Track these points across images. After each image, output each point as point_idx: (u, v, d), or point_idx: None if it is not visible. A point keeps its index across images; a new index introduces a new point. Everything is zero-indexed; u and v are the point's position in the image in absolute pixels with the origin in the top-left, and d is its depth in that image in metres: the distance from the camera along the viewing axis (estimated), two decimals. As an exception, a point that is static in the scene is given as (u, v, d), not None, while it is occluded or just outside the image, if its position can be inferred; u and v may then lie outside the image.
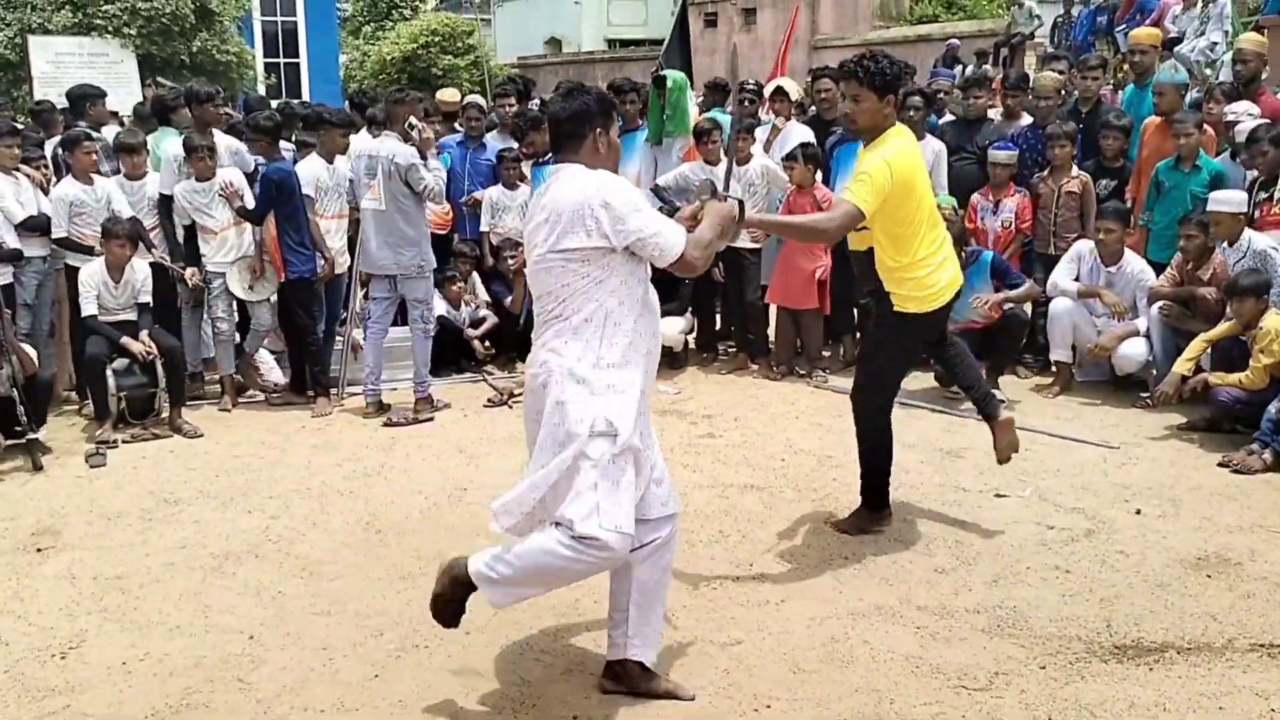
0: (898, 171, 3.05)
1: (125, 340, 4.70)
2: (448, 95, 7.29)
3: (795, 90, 6.19)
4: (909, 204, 3.14)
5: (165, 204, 5.17)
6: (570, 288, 2.34)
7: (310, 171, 5.08)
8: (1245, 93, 5.33)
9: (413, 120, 4.85)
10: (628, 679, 2.56)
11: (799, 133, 5.84)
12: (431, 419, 4.91)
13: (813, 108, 6.38)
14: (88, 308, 4.71)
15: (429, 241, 4.98)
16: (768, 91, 6.27)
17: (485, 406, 5.14)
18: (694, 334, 6.05)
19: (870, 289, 3.53)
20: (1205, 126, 5.14)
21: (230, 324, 5.15)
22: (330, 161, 5.16)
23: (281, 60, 21.11)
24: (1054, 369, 5.25)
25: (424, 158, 4.81)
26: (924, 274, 3.21)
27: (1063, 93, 5.88)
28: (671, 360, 5.77)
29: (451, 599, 2.46)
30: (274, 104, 7.77)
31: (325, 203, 5.12)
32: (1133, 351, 4.94)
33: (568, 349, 2.34)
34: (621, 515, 2.28)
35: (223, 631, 2.92)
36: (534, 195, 2.68)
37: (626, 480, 2.30)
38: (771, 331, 5.80)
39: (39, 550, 3.49)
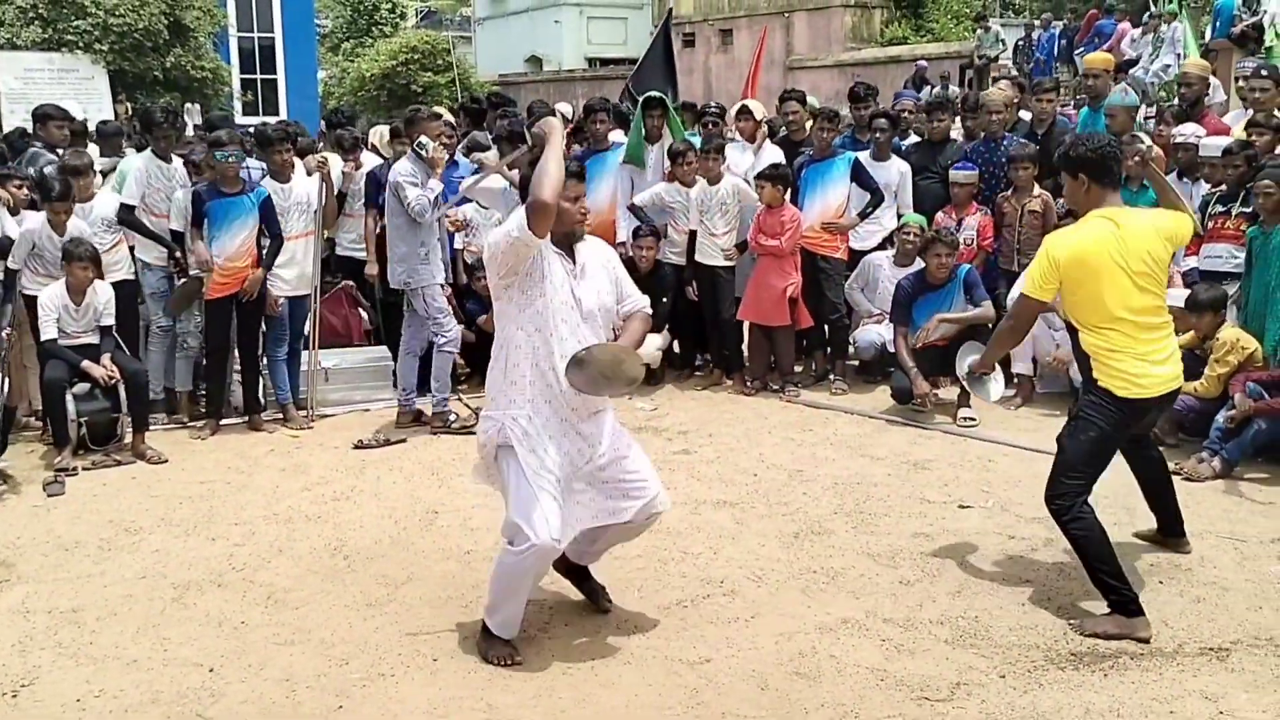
0: (1069, 255, 3.00)
1: (86, 364, 4.60)
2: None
3: (760, 110, 6.30)
4: (1089, 289, 3.01)
5: (129, 213, 5.10)
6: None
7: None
8: (1190, 114, 5.53)
9: (422, 139, 4.91)
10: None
11: (770, 153, 5.95)
12: (404, 440, 4.90)
13: (782, 129, 6.49)
14: (47, 331, 4.60)
15: (427, 258, 4.95)
16: (733, 112, 6.38)
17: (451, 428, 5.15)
18: (668, 350, 6.10)
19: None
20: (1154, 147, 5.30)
21: (199, 340, 5.11)
22: (284, 181, 5.13)
23: (259, 76, 20.99)
24: (1015, 381, 5.36)
25: (432, 175, 4.91)
26: (1128, 366, 3.01)
27: (1009, 109, 6.03)
28: (648, 376, 5.82)
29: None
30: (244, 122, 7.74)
31: (285, 224, 5.07)
32: (1089, 364, 5.09)
33: None
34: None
35: (181, 664, 2.86)
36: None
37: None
38: (745, 348, 5.88)
39: (-7, 583, 3.41)
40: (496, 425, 2.79)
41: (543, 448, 2.77)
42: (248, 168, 5.44)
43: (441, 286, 5.07)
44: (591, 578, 3.16)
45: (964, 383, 3.77)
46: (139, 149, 5.76)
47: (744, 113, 6.14)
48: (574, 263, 2.86)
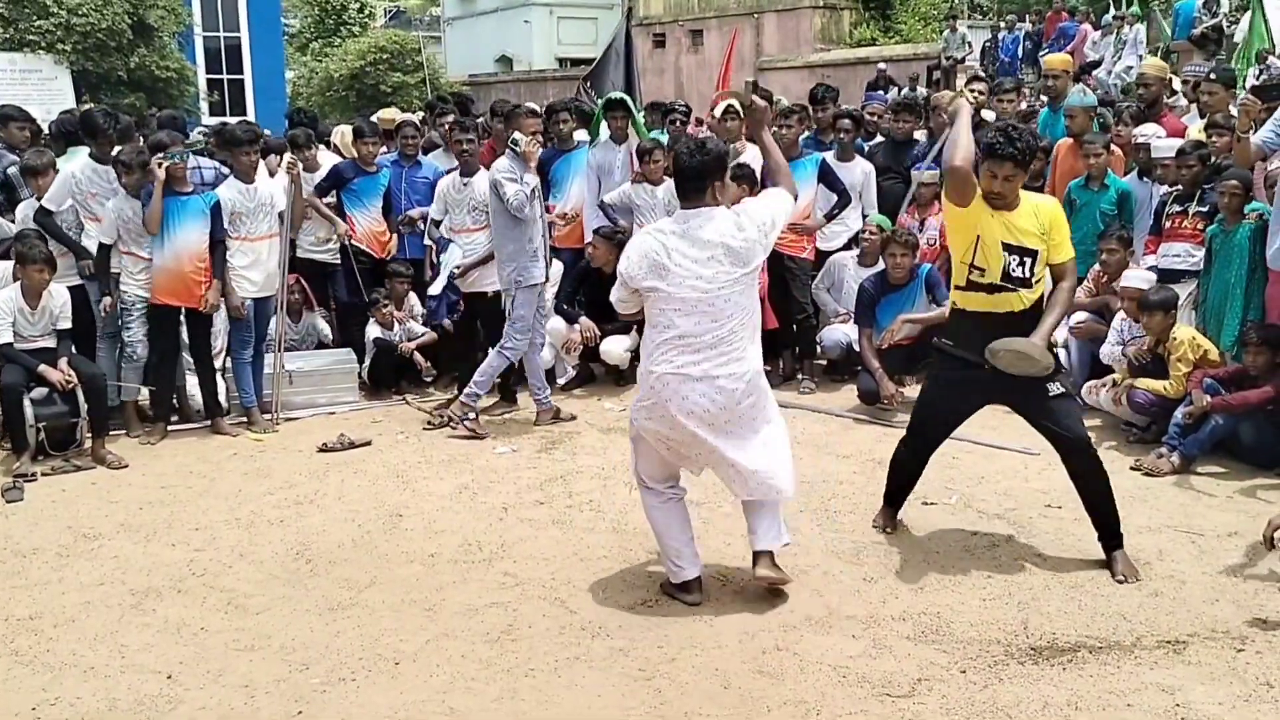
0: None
1: (43, 368, 4.51)
2: (387, 114, 7.29)
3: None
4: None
5: (44, 216, 4.97)
6: (748, 301, 3.00)
7: (225, 196, 4.94)
8: (1149, 114, 5.63)
9: (515, 135, 4.92)
10: None
11: (755, 152, 5.94)
12: (368, 443, 4.84)
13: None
14: (2, 336, 4.51)
15: (535, 255, 4.95)
16: (718, 111, 6.36)
17: (425, 429, 5.10)
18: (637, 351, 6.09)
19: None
20: (1114, 147, 5.40)
21: (145, 348, 4.94)
22: (249, 181, 5.05)
23: (225, 77, 20.66)
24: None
25: (527, 170, 4.93)
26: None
27: (976, 112, 6.08)
28: (618, 378, 5.81)
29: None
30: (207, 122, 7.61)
31: (249, 225, 5.01)
32: (1051, 362, 5.16)
33: (754, 352, 3.05)
34: None
35: (139, 672, 2.83)
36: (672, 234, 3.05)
37: None
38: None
39: (-52, 590, 3.34)
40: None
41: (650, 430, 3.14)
42: (199, 168, 5.36)
43: (539, 288, 5.04)
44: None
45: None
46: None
47: (730, 112, 6.13)
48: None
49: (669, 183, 5.59)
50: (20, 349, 4.55)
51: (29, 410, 4.49)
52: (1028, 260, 3.21)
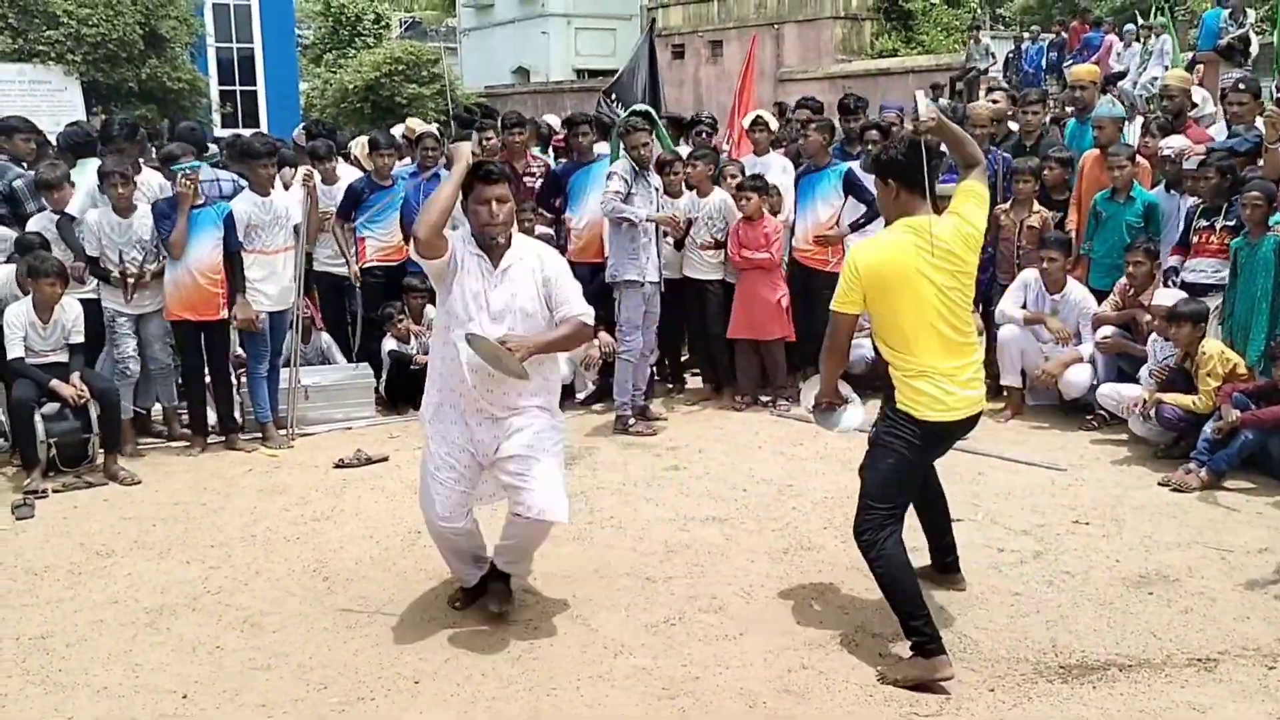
0: (868, 268, 2.81)
1: (55, 383, 4.46)
2: (412, 124, 7.35)
3: (774, 120, 6.27)
4: (889, 304, 2.83)
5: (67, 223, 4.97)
6: None
7: (239, 210, 4.96)
8: (1173, 126, 5.56)
9: (642, 138, 5.13)
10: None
11: (779, 164, 5.93)
12: (385, 459, 4.83)
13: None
14: (13, 350, 4.48)
15: (635, 254, 5.10)
16: (746, 122, 6.35)
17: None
18: (659, 363, 6.06)
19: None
20: (1139, 159, 5.33)
21: (137, 364, 4.92)
22: (265, 194, 5.06)
23: (238, 88, 20.86)
24: (1005, 394, 5.37)
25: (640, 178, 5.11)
26: (924, 386, 2.82)
27: (999, 123, 6.05)
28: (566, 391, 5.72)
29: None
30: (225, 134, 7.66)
31: (265, 238, 5.03)
32: (1077, 378, 5.09)
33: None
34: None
35: (154, 691, 2.80)
36: None
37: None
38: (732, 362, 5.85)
39: (-39, 608, 3.33)
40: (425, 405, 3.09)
41: (447, 433, 3.02)
42: (217, 180, 5.38)
43: (649, 285, 5.14)
44: (499, 579, 3.24)
45: (812, 416, 3.33)
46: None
47: (759, 123, 6.10)
48: (494, 265, 3.01)
49: (690, 195, 5.58)
50: (32, 363, 4.51)
51: (40, 426, 4.45)
52: None
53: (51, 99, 14.16)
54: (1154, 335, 4.77)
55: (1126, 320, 5.07)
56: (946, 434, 2.93)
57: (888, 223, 2.95)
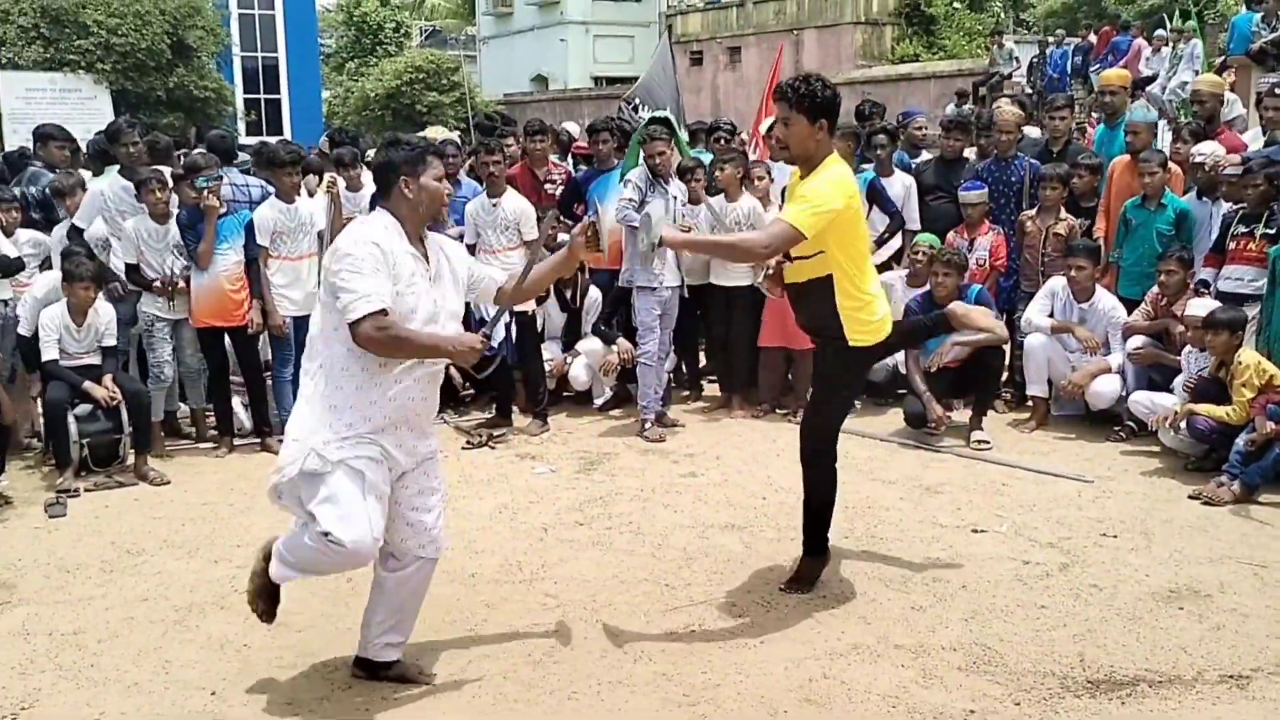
0: (846, 197, 2.95)
1: (88, 385, 4.55)
2: (433, 133, 7.40)
3: None
4: (858, 232, 3.11)
5: (76, 235, 5.08)
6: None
7: (264, 217, 5.02)
8: (1205, 131, 5.48)
9: (659, 147, 5.24)
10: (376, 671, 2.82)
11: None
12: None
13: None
14: (48, 352, 4.58)
15: (631, 261, 5.21)
16: (763, 129, 6.33)
17: (464, 449, 5.12)
18: (676, 370, 6.06)
19: (813, 327, 3.25)
20: (1171, 165, 5.26)
21: (172, 369, 5.01)
22: (289, 201, 5.12)
23: (262, 96, 21.11)
24: (1030, 404, 5.30)
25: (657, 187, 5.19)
26: (878, 307, 3.17)
27: (1023, 128, 6.00)
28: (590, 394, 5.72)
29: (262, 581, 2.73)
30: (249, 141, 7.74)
31: (290, 244, 5.09)
32: (1105, 389, 5.01)
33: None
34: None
35: (183, 687, 2.84)
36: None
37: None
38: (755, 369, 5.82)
39: (-7, 605, 3.40)
40: (305, 451, 2.53)
41: (372, 454, 2.54)
42: (247, 185, 5.44)
43: (665, 289, 5.19)
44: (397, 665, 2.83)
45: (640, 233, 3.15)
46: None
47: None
48: (428, 262, 2.61)
49: (718, 199, 5.55)
50: (66, 365, 4.61)
51: (73, 426, 4.55)
52: None
53: (81, 107, 14.44)
54: (1189, 347, 4.69)
55: (1158, 330, 4.98)
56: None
57: (803, 159, 3.04)
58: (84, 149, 6.57)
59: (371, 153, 7.04)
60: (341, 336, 2.53)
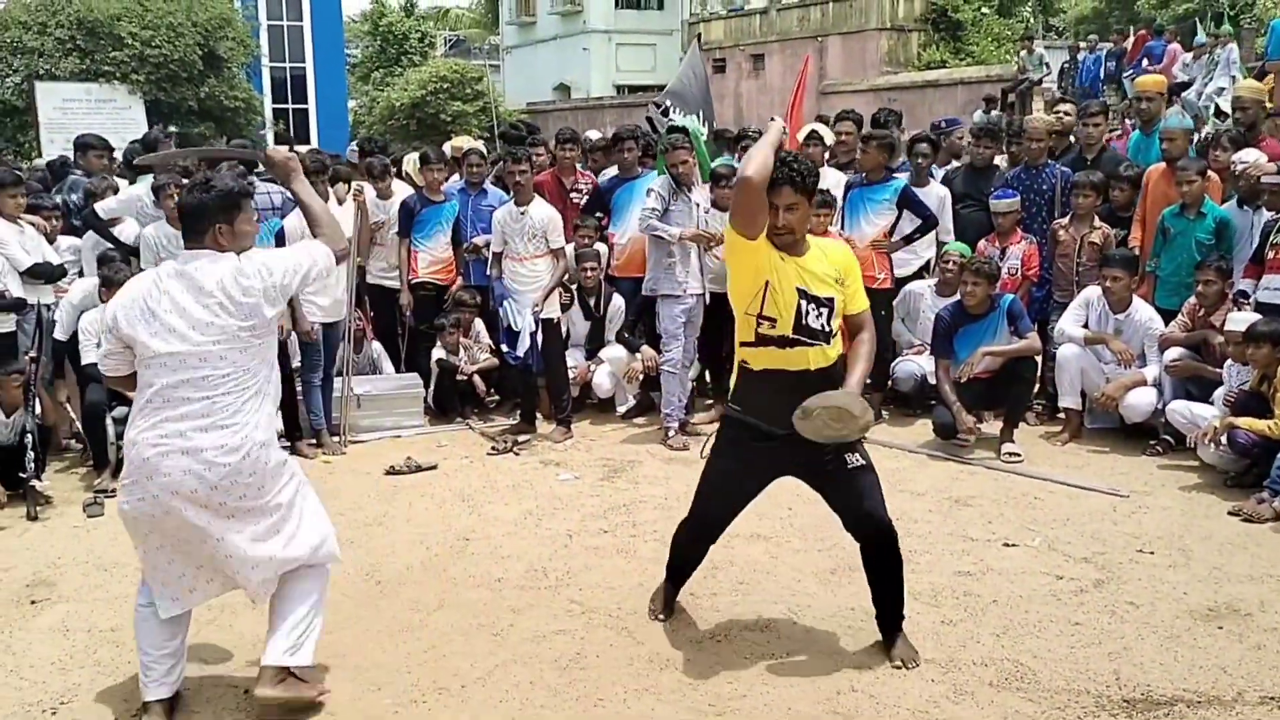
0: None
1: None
2: (458, 142, 7.46)
3: (830, 135, 6.20)
4: None
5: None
6: (251, 361, 2.58)
7: (294, 226, 5.03)
8: (1245, 138, 5.37)
9: (681, 156, 5.25)
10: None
11: (832, 178, 5.88)
12: (434, 467, 4.88)
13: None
14: (87, 355, 4.67)
15: (671, 269, 5.17)
16: (800, 136, 6.30)
17: (489, 454, 5.13)
18: (699, 378, 6.02)
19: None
20: (1209, 173, 5.16)
21: None
22: None
23: (290, 106, 21.40)
24: (1063, 416, 5.21)
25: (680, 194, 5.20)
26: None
27: (1056, 135, 5.91)
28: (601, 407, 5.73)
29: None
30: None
31: None
32: (1140, 401, 4.91)
33: (256, 420, 2.60)
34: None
35: (216, 684, 2.89)
36: None
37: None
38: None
39: (33, 602, 3.46)
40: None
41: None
42: (269, 193, 5.51)
43: (689, 297, 5.19)
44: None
45: None
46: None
47: (813, 137, 6.02)
48: None
49: None
50: None
51: (111, 428, 4.63)
52: (824, 310, 2.80)
53: (116, 117, 14.73)
54: (1229, 360, 4.59)
55: (1196, 342, 4.88)
56: None
57: (803, 244, 2.86)
58: (121, 158, 6.69)
59: (406, 160, 7.11)
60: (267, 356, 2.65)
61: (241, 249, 2.65)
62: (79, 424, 4.96)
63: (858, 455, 2.86)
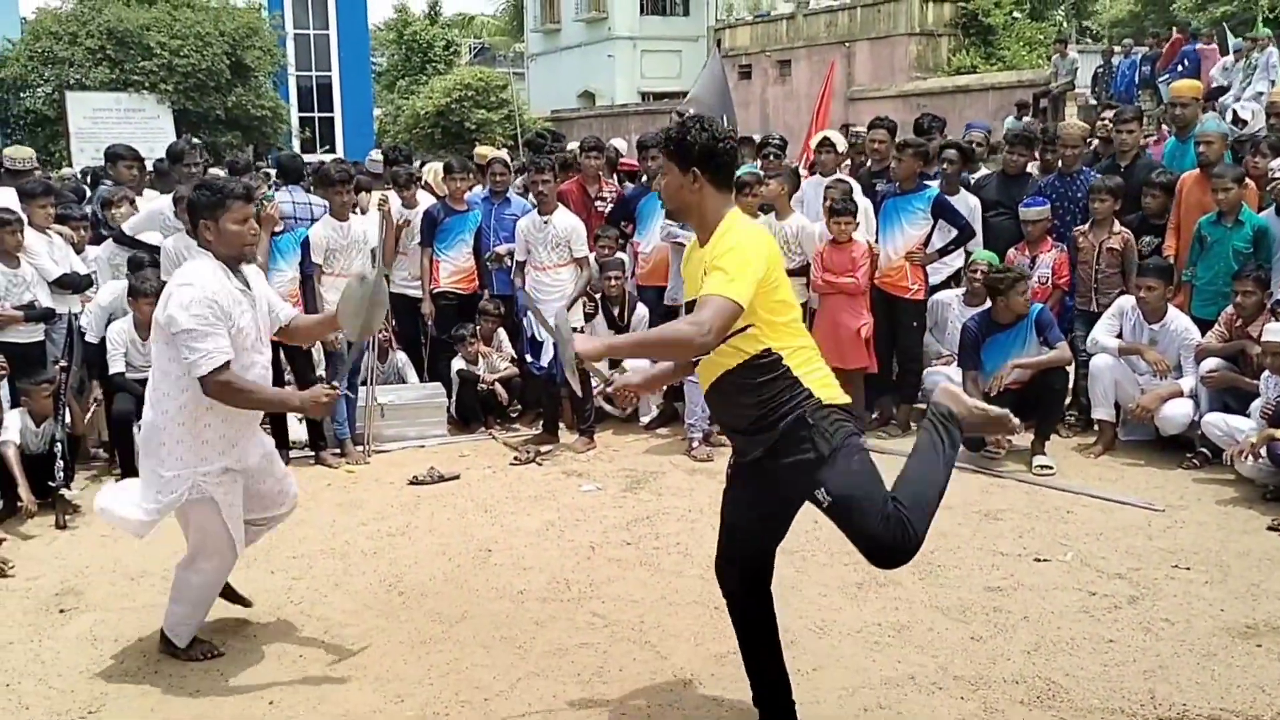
0: (764, 258, 2.35)
1: None
2: (483, 150, 7.49)
3: (842, 141, 6.16)
4: (785, 297, 2.45)
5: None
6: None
7: (318, 235, 5.13)
8: (1283, 144, 5.25)
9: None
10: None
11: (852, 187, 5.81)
12: (457, 477, 4.87)
13: (862, 157, 6.36)
14: (115, 365, 4.73)
15: (673, 279, 5.35)
16: (813, 143, 6.26)
17: (512, 465, 5.13)
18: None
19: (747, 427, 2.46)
20: (1246, 180, 5.03)
21: None
22: (343, 219, 5.22)
23: (316, 114, 21.68)
24: (1096, 428, 5.10)
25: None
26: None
27: (1090, 141, 5.80)
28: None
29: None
30: (306, 159, 7.95)
31: (343, 261, 5.18)
32: (1176, 413, 4.79)
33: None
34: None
35: (242, 694, 2.90)
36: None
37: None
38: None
39: (61, 611, 3.49)
40: (188, 483, 2.91)
41: (235, 490, 2.98)
42: (309, 203, 5.56)
43: None
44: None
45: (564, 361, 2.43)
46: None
47: (826, 144, 6.00)
48: (248, 286, 2.92)
49: (768, 218, 5.48)
50: (131, 379, 4.73)
51: (138, 438, 4.68)
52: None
53: (145, 126, 15.01)
54: (1267, 371, 4.47)
55: (1233, 352, 4.75)
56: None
57: (682, 214, 2.52)
58: (151, 167, 6.80)
59: (426, 169, 7.17)
60: (190, 383, 2.81)
61: (236, 250, 2.87)
62: (105, 433, 5.02)
63: (824, 491, 2.36)
